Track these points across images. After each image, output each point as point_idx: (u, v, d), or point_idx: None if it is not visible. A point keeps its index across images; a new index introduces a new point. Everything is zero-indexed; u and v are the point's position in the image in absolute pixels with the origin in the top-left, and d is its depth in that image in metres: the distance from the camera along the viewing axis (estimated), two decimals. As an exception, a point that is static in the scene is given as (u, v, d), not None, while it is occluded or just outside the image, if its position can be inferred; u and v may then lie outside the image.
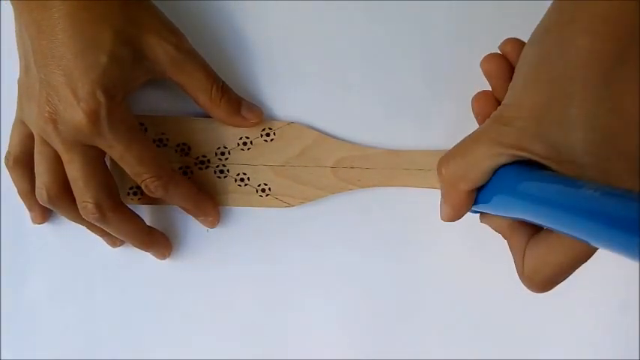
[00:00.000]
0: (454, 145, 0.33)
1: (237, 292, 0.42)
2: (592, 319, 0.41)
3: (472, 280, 0.42)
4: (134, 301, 0.42)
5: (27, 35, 0.35)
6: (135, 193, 0.41)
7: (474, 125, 0.40)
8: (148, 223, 0.40)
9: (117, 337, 0.42)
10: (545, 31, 0.31)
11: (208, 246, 0.42)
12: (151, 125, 0.40)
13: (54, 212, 0.41)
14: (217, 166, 0.41)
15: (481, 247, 0.41)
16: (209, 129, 0.41)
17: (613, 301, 0.41)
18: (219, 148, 0.41)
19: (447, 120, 0.41)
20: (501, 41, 0.35)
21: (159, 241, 0.41)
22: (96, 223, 0.37)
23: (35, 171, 0.38)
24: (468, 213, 0.34)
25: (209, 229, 0.42)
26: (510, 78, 0.33)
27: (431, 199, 0.41)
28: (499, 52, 0.35)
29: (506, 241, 0.33)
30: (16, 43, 0.37)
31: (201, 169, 0.41)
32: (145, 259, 0.42)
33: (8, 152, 0.39)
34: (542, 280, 0.31)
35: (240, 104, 0.40)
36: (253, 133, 0.41)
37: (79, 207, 0.37)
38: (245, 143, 0.41)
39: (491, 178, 0.31)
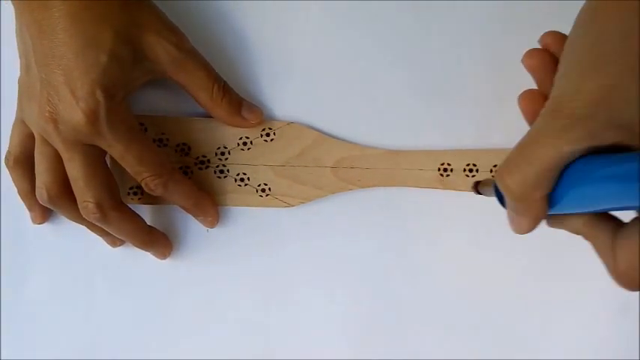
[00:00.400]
0: (511, 150, 0.30)
1: (237, 291, 0.42)
2: (592, 319, 0.42)
3: (472, 280, 0.42)
4: (134, 300, 0.42)
5: (28, 35, 0.35)
6: (135, 193, 0.41)
7: (472, 126, 0.41)
8: (147, 223, 0.40)
9: (117, 337, 0.43)
10: (594, 11, 0.29)
11: (208, 246, 0.42)
12: (150, 125, 0.40)
13: (54, 212, 0.41)
14: (217, 166, 0.41)
15: (481, 248, 0.41)
16: (209, 129, 0.41)
17: (613, 301, 0.41)
18: (219, 148, 0.41)
19: (446, 120, 0.41)
20: (540, 35, 0.33)
21: (159, 240, 0.41)
22: (96, 223, 0.37)
23: (35, 171, 0.38)
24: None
25: (209, 229, 0.42)
26: (555, 70, 0.30)
27: (430, 198, 0.41)
28: (539, 46, 0.34)
29: (588, 241, 0.31)
30: (16, 43, 0.37)
31: (201, 169, 0.41)
32: (145, 259, 0.42)
33: (8, 152, 0.39)
34: None
35: (240, 104, 0.40)
36: (253, 133, 0.41)
37: (79, 207, 0.37)
38: (245, 143, 0.41)
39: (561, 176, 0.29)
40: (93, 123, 0.34)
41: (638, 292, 0.40)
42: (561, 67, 0.30)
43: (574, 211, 0.30)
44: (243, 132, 0.41)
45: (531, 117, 0.33)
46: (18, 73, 0.38)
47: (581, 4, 0.30)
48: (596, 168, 0.27)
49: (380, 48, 0.41)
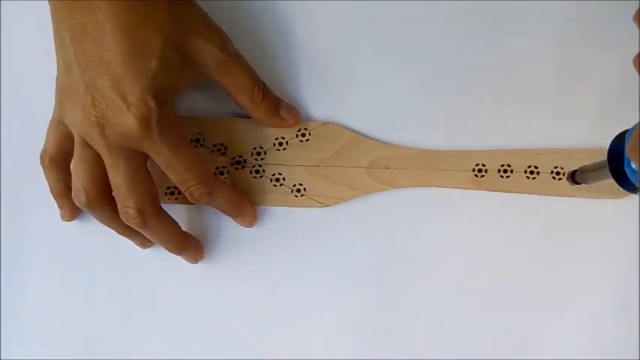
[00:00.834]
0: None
1: (238, 291, 0.42)
2: (592, 319, 0.42)
3: (472, 280, 0.42)
4: (134, 300, 0.42)
5: (67, 37, 0.34)
6: (172, 193, 0.41)
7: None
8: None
9: (117, 337, 0.43)
10: None
11: (208, 245, 0.42)
12: (188, 126, 0.40)
13: (53, 212, 0.41)
14: (253, 166, 0.41)
15: (481, 248, 0.42)
16: (245, 129, 0.41)
17: (613, 301, 0.42)
18: (255, 148, 0.41)
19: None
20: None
21: (193, 245, 0.41)
22: (136, 228, 0.37)
23: (73, 173, 0.37)
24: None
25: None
26: None
27: (432, 199, 0.41)
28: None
29: None
30: (53, 42, 0.37)
31: (237, 169, 0.41)
32: (145, 259, 0.42)
33: (44, 151, 0.39)
34: None
35: (279, 105, 0.40)
36: (289, 133, 0.41)
37: (120, 212, 0.37)
38: (281, 143, 0.41)
39: None
40: (145, 129, 0.33)
41: (637, 292, 0.41)
42: None
43: None
44: (279, 132, 0.41)
45: None
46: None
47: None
48: None
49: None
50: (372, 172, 0.41)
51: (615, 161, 0.31)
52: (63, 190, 0.40)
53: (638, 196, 0.40)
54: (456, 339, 0.42)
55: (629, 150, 0.29)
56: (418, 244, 0.42)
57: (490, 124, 0.41)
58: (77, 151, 0.37)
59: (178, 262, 0.42)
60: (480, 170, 0.41)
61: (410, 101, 0.41)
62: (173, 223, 0.39)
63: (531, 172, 0.40)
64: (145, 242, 0.41)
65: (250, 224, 0.41)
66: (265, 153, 0.41)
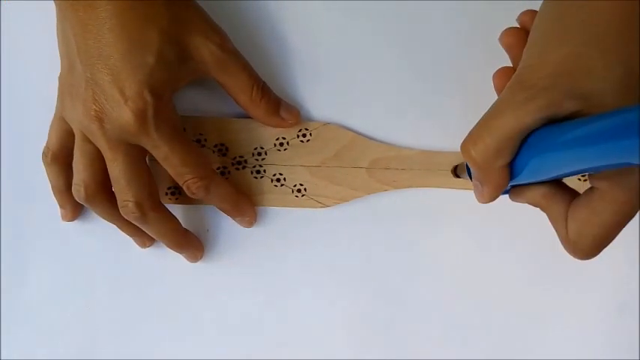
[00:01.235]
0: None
1: (238, 291, 0.42)
2: (592, 319, 0.42)
3: (472, 280, 0.42)
4: (134, 300, 0.42)
5: (71, 34, 0.35)
6: (173, 193, 0.41)
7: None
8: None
9: (117, 336, 0.43)
10: None
11: (208, 244, 0.42)
12: (189, 126, 0.41)
13: (53, 212, 0.42)
14: (254, 167, 0.41)
15: (481, 248, 0.42)
16: (246, 129, 0.41)
17: (612, 301, 0.42)
18: (256, 148, 0.41)
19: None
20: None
21: (193, 243, 0.41)
22: (135, 222, 0.38)
23: (74, 168, 0.38)
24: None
25: (208, 229, 0.42)
26: None
27: (433, 199, 0.41)
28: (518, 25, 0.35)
29: (544, 212, 0.32)
30: (57, 42, 0.37)
31: (238, 169, 0.41)
32: (145, 258, 0.42)
33: (47, 148, 0.39)
34: (589, 244, 0.29)
35: (279, 105, 0.40)
36: (290, 133, 0.41)
37: (119, 206, 0.37)
38: (282, 144, 0.41)
39: (521, 146, 0.30)
40: (141, 123, 0.34)
41: (637, 292, 0.41)
42: (529, 42, 0.31)
43: (535, 180, 0.31)
44: (279, 132, 0.41)
45: None
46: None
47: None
48: (556, 135, 0.28)
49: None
50: (373, 172, 0.41)
51: None
52: (64, 187, 0.40)
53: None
54: (456, 339, 0.42)
55: (461, 146, 0.31)
56: (418, 244, 0.42)
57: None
58: (77, 147, 0.37)
59: (178, 261, 0.42)
60: (480, 170, 0.41)
61: (410, 101, 0.41)
62: (173, 219, 0.39)
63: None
64: (144, 241, 0.41)
65: (250, 224, 0.41)
66: (266, 153, 0.41)
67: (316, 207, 0.41)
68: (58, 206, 0.41)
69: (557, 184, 0.31)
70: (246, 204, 0.41)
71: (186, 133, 0.40)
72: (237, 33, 0.39)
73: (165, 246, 0.40)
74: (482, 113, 0.41)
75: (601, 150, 0.25)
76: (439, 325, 0.42)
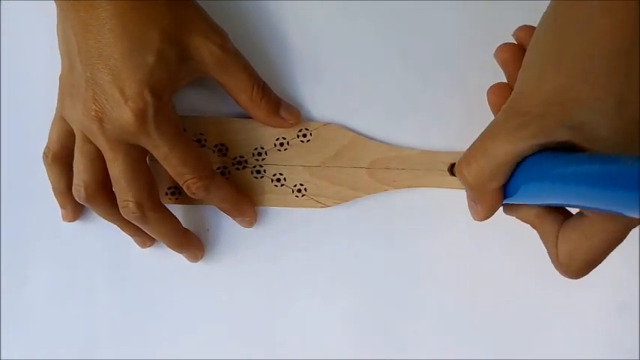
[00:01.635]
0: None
1: (238, 291, 0.42)
2: (592, 320, 0.42)
3: (472, 280, 0.42)
4: (134, 300, 0.42)
5: (72, 34, 0.35)
6: (173, 193, 0.41)
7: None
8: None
9: (117, 336, 0.43)
10: (556, 12, 0.31)
11: (208, 244, 0.42)
12: (189, 126, 0.41)
13: (53, 212, 0.42)
14: (254, 167, 0.41)
15: (481, 248, 0.42)
16: (246, 130, 0.41)
17: (612, 301, 0.42)
18: (256, 148, 0.41)
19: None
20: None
21: (193, 243, 0.41)
22: (135, 222, 0.38)
23: (74, 168, 0.38)
24: None
25: (209, 229, 0.42)
26: None
27: (432, 199, 0.41)
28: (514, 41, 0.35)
29: (535, 230, 0.33)
30: (57, 41, 0.37)
31: (238, 169, 0.41)
32: (146, 258, 0.42)
33: (47, 148, 0.39)
34: (579, 266, 0.30)
35: (279, 105, 0.40)
36: (290, 133, 0.41)
37: (119, 206, 0.37)
38: (282, 144, 0.41)
39: (516, 169, 0.30)
40: (141, 122, 0.34)
41: (637, 293, 0.41)
42: (524, 64, 0.31)
43: (529, 203, 0.31)
44: (280, 133, 0.41)
45: (497, 110, 0.34)
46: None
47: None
48: (550, 165, 0.28)
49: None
50: (373, 172, 0.41)
51: None
52: (65, 188, 0.40)
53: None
54: (456, 339, 0.42)
55: (456, 166, 0.33)
56: (418, 245, 0.42)
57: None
58: (78, 147, 0.37)
59: (178, 261, 0.42)
60: (480, 170, 0.41)
61: (410, 101, 0.41)
62: (173, 219, 0.39)
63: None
64: (145, 241, 0.41)
65: (250, 224, 0.41)
66: (266, 153, 0.41)
67: (316, 207, 0.41)
68: (59, 207, 0.41)
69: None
70: (246, 204, 0.41)
71: (187, 133, 0.40)
72: (237, 33, 0.39)
73: (165, 246, 0.40)
74: (482, 114, 0.41)
75: (594, 194, 0.26)
76: (439, 326, 0.42)
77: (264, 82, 0.39)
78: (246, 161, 0.41)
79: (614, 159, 0.25)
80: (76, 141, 0.37)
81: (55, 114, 0.39)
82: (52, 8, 0.37)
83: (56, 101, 0.38)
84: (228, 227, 0.42)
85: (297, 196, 0.41)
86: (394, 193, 0.41)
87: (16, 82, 0.41)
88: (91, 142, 0.36)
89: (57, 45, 0.37)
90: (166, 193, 0.41)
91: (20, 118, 0.42)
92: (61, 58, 0.37)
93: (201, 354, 0.42)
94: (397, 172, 0.41)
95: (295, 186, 0.41)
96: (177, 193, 0.41)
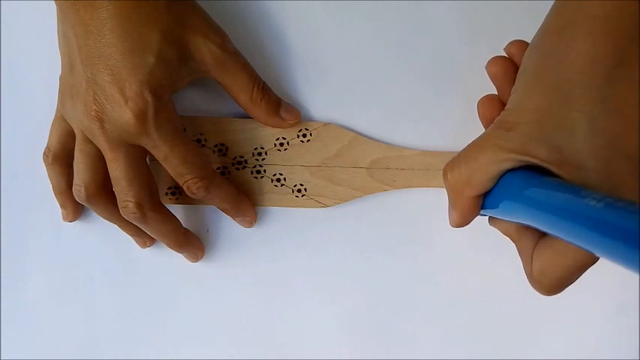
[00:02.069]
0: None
1: (238, 291, 0.42)
2: (591, 320, 0.42)
3: (471, 280, 0.42)
4: (134, 300, 0.43)
5: (72, 34, 0.35)
6: (173, 193, 0.41)
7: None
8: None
9: (117, 337, 0.43)
10: (544, 34, 0.31)
11: (208, 244, 0.42)
12: (189, 126, 0.41)
13: (53, 212, 0.42)
14: (254, 167, 0.41)
15: (481, 248, 0.42)
16: (246, 130, 0.41)
17: (612, 302, 0.42)
18: (256, 148, 0.41)
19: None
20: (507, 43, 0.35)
21: (193, 243, 0.41)
22: (135, 223, 0.38)
23: (75, 168, 0.38)
24: (478, 216, 0.34)
25: (208, 229, 0.42)
26: (514, 80, 0.33)
27: (431, 199, 0.41)
28: (505, 54, 0.36)
29: (514, 244, 0.34)
30: (57, 41, 0.37)
31: (238, 169, 0.41)
32: (145, 258, 0.42)
33: (47, 148, 0.39)
34: (550, 283, 0.30)
35: (279, 105, 0.40)
36: (290, 133, 0.41)
37: (119, 206, 0.37)
38: (282, 144, 0.41)
39: (497, 184, 0.32)
40: (142, 123, 0.34)
41: (637, 293, 0.41)
42: (516, 81, 0.32)
43: (506, 219, 0.32)
44: (280, 133, 0.41)
45: (487, 122, 0.36)
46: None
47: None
48: (522, 186, 0.30)
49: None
50: (373, 172, 0.41)
51: None
52: (65, 188, 0.40)
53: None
54: (456, 339, 0.42)
55: (443, 169, 0.34)
56: (418, 245, 0.42)
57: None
58: (78, 147, 0.37)
59: (178, 262, 0.42)
60: (480, 170, 0.41)
61: (410, 101, 0.41)
62: (173, 219, 0.39)
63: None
64: (145, 241, 0.41)
65: (250, 224, 0.41)
66: (266, 153, 0.41)
67: (316, 207, 0.41)
68: (59, 207, 0.41)
69: None
70: (246, 204, 0.41)
71: (187, 133, 0.40)
72: (237, 33, 0.39)
73: (165, 246, 0.40)
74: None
75: (557, 224, 0.27)
76: (439, 325, 0.42)
77: (264, 82, 0.39)
78: (246, 161, 0.41)
79: (579, 193, 0.26)
80: (77, 141, 0.37)
81: (56, 114, 0.39)
82: (53, 8, 0.37)
83: (56, 101, 0.39)
84: (228, 227, 0.42)
85: (297, 196, 0.41)
86: (394, 193, 0.41)
87: (16, 82, 0.41)
88: (91, 142, 0.36)
89: (57, 45, 0.37)
90: (166, 193, 0.41)
91: (20, 118, 0.42)
92: (62, 59, 0.37)
93: (201, 354, 0.42)
94: (397, 172, 0.41)
95: (295, 186, 0.41)
96: (178, 193, 0.41)
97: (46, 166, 0.40)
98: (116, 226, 0.40)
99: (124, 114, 0.34)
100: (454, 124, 0.41)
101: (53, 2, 0.36)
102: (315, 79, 0.41)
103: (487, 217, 0.36)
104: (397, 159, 0.41)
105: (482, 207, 0.33)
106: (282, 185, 0.41)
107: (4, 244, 0.42)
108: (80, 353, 0.43)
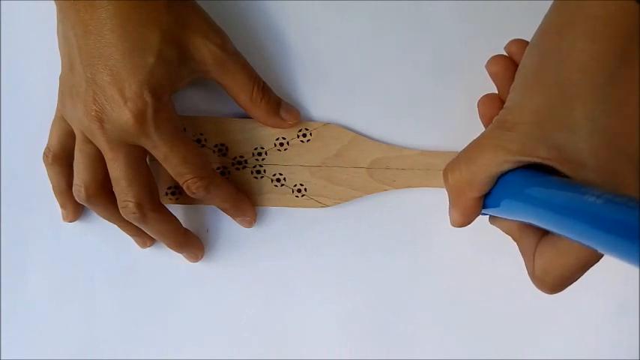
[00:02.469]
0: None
1: (238, 291, 0.42)
2: (592, 319, 0.42)
3: (471, 280, 0.42)
4: (134, 300, 0.43)
5: (72, 34, 0.35)
6: (173, 193, 0.41)
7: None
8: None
9: (117, 337, 0.43)
10: (544, 33, 0.31)
11: (208, 244, 0.42)
12: (189, 126, 0.41)
13: (53, 212, 0.42)
14: (254, 167, 0.41)
15: (481, 248, 0.42)
16: (246, 130, 0.41)
17: (612, 301, 0.42)
18: (256, 148, 0.41)
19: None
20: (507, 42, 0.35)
21: (193, 243, 0.41)
22: (135, 223, 0.38)
23: (74, 168, 0.38)
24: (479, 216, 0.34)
25: (208, 229, 0.42)
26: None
27: (431, 199, 0.42)
28: (505, 53, 0.36)
29: (515, 243, 0.34)
30: (58, 43, 0.37)
31: (238, 169, 0.41)
32: (145, 259, 0.42)
33: (47, 149, 0.39)
34: (553, 282, 0.30)
35: (279, 105, 0.40)
36: (290, 133, 0.41)
37: (119, 206, 0.37)
38: (282, 144, 0.41)
39: (497, 183, 0.32)
40: (141, 123, 0.34)
41: (637, 292, 0.41)
42: (516, 78, 0.32)
43: (508, 218, 0.32)
44: (280, 133, 0.41)
45: (487, 121, 0.36)
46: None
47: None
48: (523, 185, 0.30)
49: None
50: (373, 172, 0.41)
51: None
52: (65, 188, 0.40)
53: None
54: (456, 339, 0.42)
55: (443, 170, 0.34)
56: (418, 245, 0.42)
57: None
58: (78, 147, 0.37)
59: (178, 262, 0.42)
60: (480, 170, 0.41)
61: (410, 101, 0.41)
62: (173, 219, 0.39)
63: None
64: (145, 241, 0.41)
65: (250, 224, 0.41)
66: (266, 153, 0.41)
67: (316, 207, 0.41)
68: (59, 207, 0.41)
69: None
70: (246, 204, 0.41)
71: (186, 133, 0.40)
72: (237, 33, 0.39)
73: (165, 246, 0.40)
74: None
75: (559, 222, 0.27)
76: (439, 325, 0.42)
77: (264, 82, 0.39)
78: (246, 161, 0.41)
79: (579, 190, 0.26)
80: (76, 141, 0.37)
81: (55, 114, 0.39)
82: (53, 8, 0.37)
83: (56, 101, 0.39)
84: (228, 227, 0.42)
85: (297, 196, 0.41)
86: (394, 193, 0.41)
87: (16, 82, 0.41)
88: (91, 143, 0.36)
89: (57, 45, 0.37)
90: (166, 193, 0.41)
91: (20, 118, 0.42)
92: (61, 59, 0.37)
93: (201, 354, 0.42)
94: (397, 172, 0.41)
95: (295, 186, 0.41)
96: (178, 193, 0.41)
97: (46, 166, 0.40)
98: (116, 226, 0.40)
99: (123, 114, 0.34)
100: (454, 123, 0.41)
101: (53, 2, 0.36)
102: (315, 79, 0.41)
103: (487, 217, 0.36)
104: (397, 159, 0.41)
105: (484, 206, 0.33)
106: (282, 185, 0.41)
107: (4, 244, 0.42)
108: (80, 353, 0.43)
